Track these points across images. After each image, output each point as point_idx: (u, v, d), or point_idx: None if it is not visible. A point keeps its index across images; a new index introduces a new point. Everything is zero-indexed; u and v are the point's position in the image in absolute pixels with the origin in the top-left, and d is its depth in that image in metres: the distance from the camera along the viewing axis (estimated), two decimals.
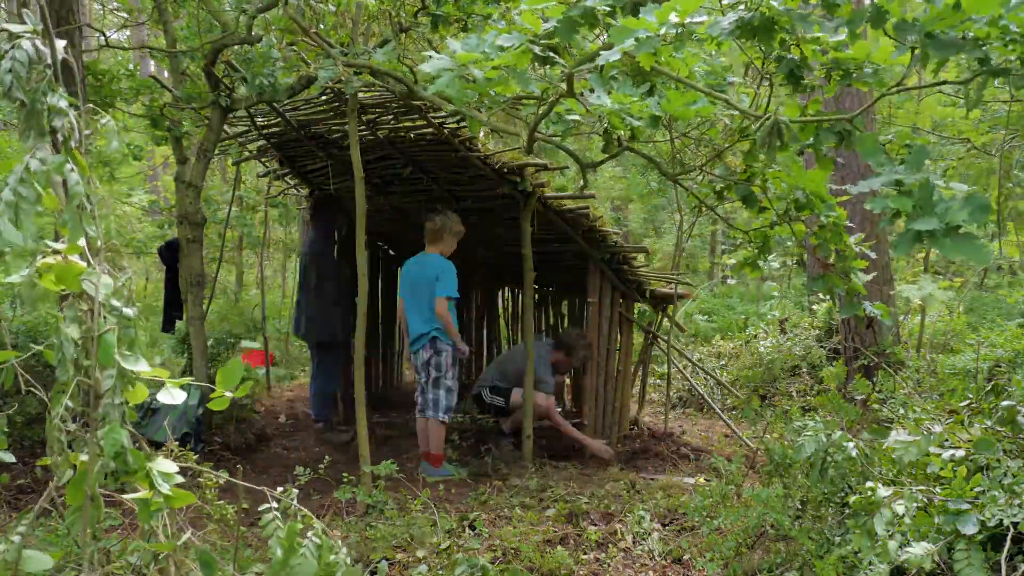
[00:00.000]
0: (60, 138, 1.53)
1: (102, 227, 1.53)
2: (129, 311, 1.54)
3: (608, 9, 2.24)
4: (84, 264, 1.50)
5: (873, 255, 3.90)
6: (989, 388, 3.63)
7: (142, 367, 1.53)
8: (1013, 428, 3.18)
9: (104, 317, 1.48)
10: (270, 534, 1.65)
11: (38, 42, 1.54)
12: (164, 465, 1.59)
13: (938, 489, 2.89)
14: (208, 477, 2.59)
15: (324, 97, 5.19)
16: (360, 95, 4.63)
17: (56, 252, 1.48)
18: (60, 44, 1.61)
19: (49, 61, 1.54)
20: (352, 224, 6.06)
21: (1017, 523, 2.66)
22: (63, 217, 1.49)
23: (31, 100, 1.51)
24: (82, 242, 1.50)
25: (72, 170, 1.50)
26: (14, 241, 1.38)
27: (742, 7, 2.14)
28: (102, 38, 6.10)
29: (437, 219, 5.42)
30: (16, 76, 1.49)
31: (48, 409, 1.64)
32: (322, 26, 5.66)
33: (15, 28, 1.53)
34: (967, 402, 3.65)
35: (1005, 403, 3.25)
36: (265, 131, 5.98)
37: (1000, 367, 5.82)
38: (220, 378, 1.70)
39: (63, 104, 1.54)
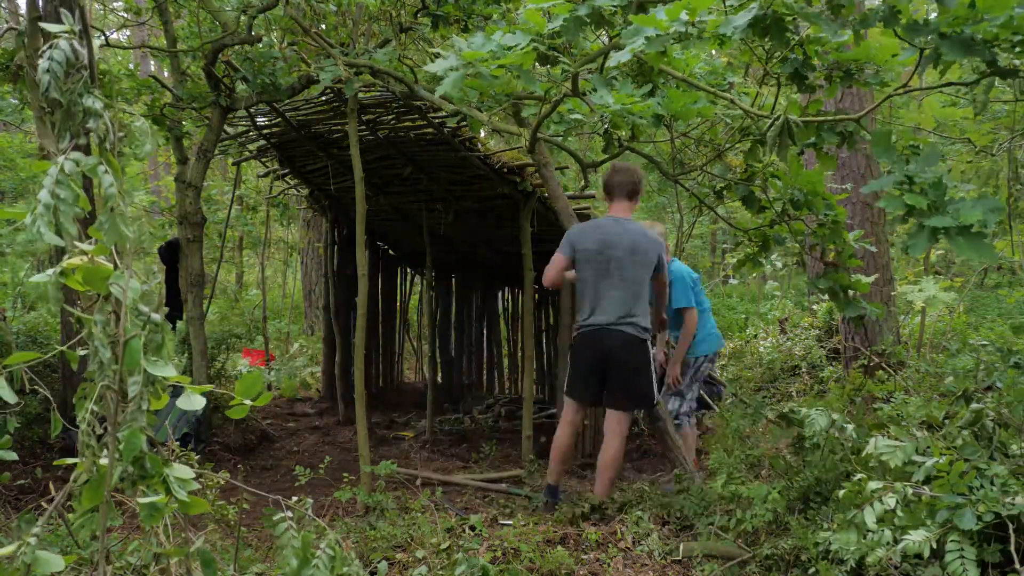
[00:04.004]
0: (96, 140, 1.53)
1: (134, 229, 1.53)
2: (157, 316, 1.53)
3: (615, 8, 2.24)
4: (111, 266, 1.49)
5: (874, 249, 3.91)
6: (960, 394, 3.66)
7: (169, 372, 1.52)
8: (981, 431, 3.22)
9: (131, 322, 1.47)
10: (285, 544, 1.63)
11: (75, 43, 1.54)
12: (181, 471, 1.57)
13: (926, 487, 2.91)
14: (209, 478, 2.58)
15: (324, 97, 5.20)
16: (360, 95, 4.63)
17: (83, 253, 1.47)
18: (96, 44, 1.60)
19: (86, 62, 1.54)
20: (352, 224, 6.06)
21: (1015, 516, 2.67)
22: (99, 219, 1.48)
23: (67, 101, 1.51)
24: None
25: (106, 172, 1.50)
26: (56, 244, 1.38)
27: (754, 5, 2.13)
28: (102, 38, 6.10)
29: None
30: (54, 76, 1.49)
31: (53, 408, 1.64)
32: (323, 26, 5.66)
33: (52, 28, 1.53)
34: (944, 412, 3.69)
35: (974, 406, 3.29)
36: (265, 131, 5.98)
37: (996, 367, 5.81)
38: (239, 388, 1.68)
39: (99, 106, 1.54)
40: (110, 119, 1.55)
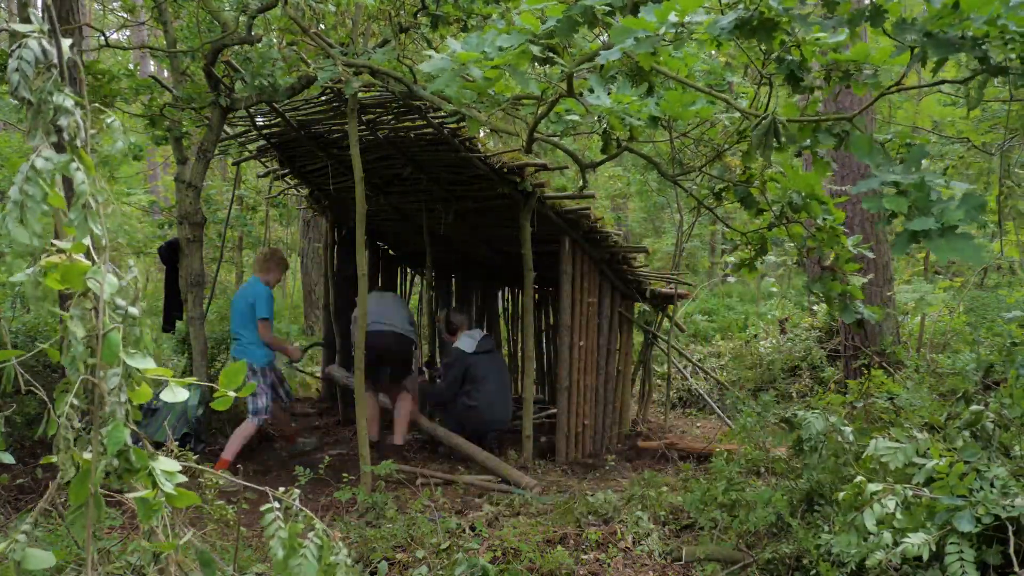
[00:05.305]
0: (66, 137, 1.53)
1: (107, 226, 1.53)
2: (134, 309, 1.54)
3: (608, 8, 2.24)
4: (89, 263, 1.50)
5: (872, 255, 3.90)
6: (959, 396, 3.66)
7: (148, 364, 1.53)
8: (981, 433, 3.22)
9: (109, 316, 1.48)
10: (271, 534, 1.65)
11: (44, 42, 1.54)
12: (166, 464, 1.58)
13: (926, 489, 2.90)
14: (209, 477, 2.59)
15: (324, 97, 5.19)
16: (360, 95, 4.63)
17: (60, 251, 1.48)
18: (66, 43, 1.61)
19: (55, 61, 1.55)
20: (352, 224, 6.06)
21: (1015, 518, 2.66)
22: (69, 216, 1.49)
23: (37, 100, 1.51)
24: (87, 240, 1.51)
25: (78, 169, 1.50)
26: (21, 240, 1.38)
27: (741, 6, 2.13)
28: (102, 38, 6.10)
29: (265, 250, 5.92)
30: (23, 75, 1.50)
31: (48, 408, 1.64)
32: (322, 26, 5.66)
33: (21, 28, 1.53)
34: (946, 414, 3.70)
35: (973, 408, 3.29)
36: (265, 131, 5.98)
37: (994, 367, 5.82)
38: (223, 379, 1.69)
39: (69, 103, 1.54)
40: (81, 116, 1.55)
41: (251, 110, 5.53)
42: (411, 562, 3.40)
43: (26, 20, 1.59)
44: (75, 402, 1.48)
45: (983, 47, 1.95)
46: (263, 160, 6.95)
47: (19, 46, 1.51)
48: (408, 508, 4.04)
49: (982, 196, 1.84)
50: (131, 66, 6.67)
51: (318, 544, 1.67)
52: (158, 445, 3.76)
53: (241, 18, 4.96)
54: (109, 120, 1.74)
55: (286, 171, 6.83)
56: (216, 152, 5.81)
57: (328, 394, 7.75)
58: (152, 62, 14.14)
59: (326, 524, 3.93)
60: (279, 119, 5.63)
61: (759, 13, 2.09)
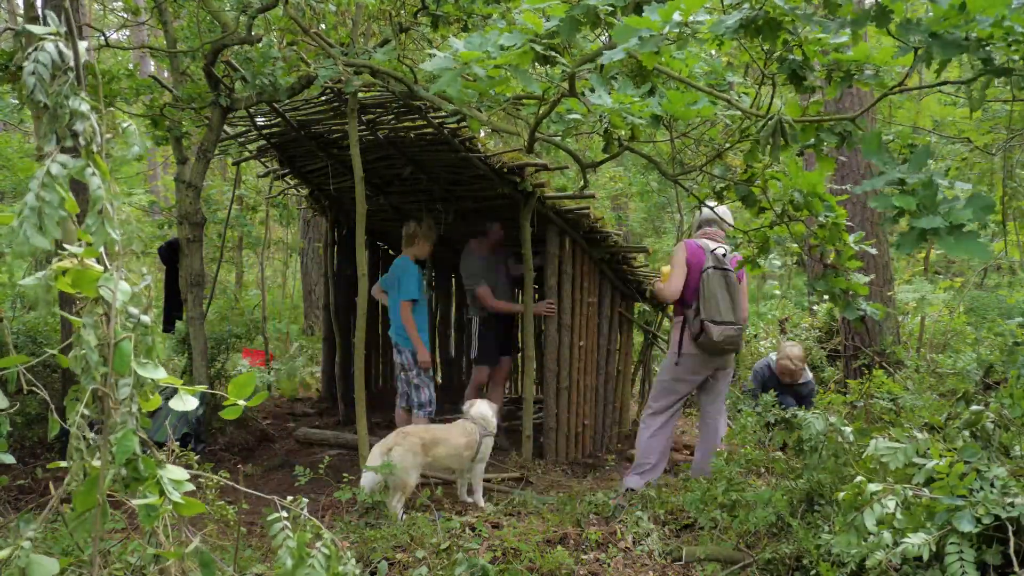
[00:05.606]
0: (82, 142, 1.52)
1: (121, 231, 1.52)
2: (146, 318, 1.53)
3: (610, 8, 2.24)
4: (101, 268, 1.48)
5: (875, 251, 3.90)
6: (960, 396, 3.66)
7: (159, 375, 1.52)
8: (981, 433, 3.21)
9: (120, 324, 1.47)
10: (279, 544, 1.63)
11: (61, 44, 1.52)
12: (174, 472, 1.57)
13: (926, 489, 2.90)
14: (209, 478, 2.58)
15: (324, 97, 5.19)
16: (360, 95, 4.62)
17: (72, 255, 1.46)
18: (83, 46, 1.60)
19: (72, 64, 1.53)
20: (352, 224, 6.06)
21: (1015, 518, 2.66)
22: (87, 222, 1.48)
23: (54, 104, 1.50)
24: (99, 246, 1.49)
25: (93, 174, 1.49)
26: (40, 246, 1.37)
27: (746, 6, 2.13)
28: (102, 38, 6.10)
29: (411, 224, 5.59)
30: (39, 79, 1.48)
31: (51, 409, 1.64)
32: (322, 26, 5.66)
33: (37, 30, 1.52)
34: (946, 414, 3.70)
35: (974, 408, 3.28)
36: (265, 131, 5.98)
37: (994, 367, 5.82)
38: (232, 389, 1.68)
39: (85, 108, 1.53)
40: (96, 121, 1.54)
41: (251, 110, 5.53)
42: (411, 562, 3.39)
43: (33, 20, 1.59)
44: (86, 412, 1.47)
45: (987, 48, 1.95)
46: (263, 160, 6.95)
47: (35, 49, 1.50)
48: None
49: (990, 196, 1.84)
50: (131, 66, 6.66)
51: (326, 554, 1.66)
52: (159, 444, 3.74)
53: (241, 18, 4.96)
54: (125, 124, 1.73)
55: (286, 171, 6.82)
56: (216, 152, 5.81)
57: (328, 394, 7.74)
58: (152, 62, 14.14)
59: (326, 524, 3.93)
60: (279, 119, 5.62)
61: (764, 12, 2.09)
